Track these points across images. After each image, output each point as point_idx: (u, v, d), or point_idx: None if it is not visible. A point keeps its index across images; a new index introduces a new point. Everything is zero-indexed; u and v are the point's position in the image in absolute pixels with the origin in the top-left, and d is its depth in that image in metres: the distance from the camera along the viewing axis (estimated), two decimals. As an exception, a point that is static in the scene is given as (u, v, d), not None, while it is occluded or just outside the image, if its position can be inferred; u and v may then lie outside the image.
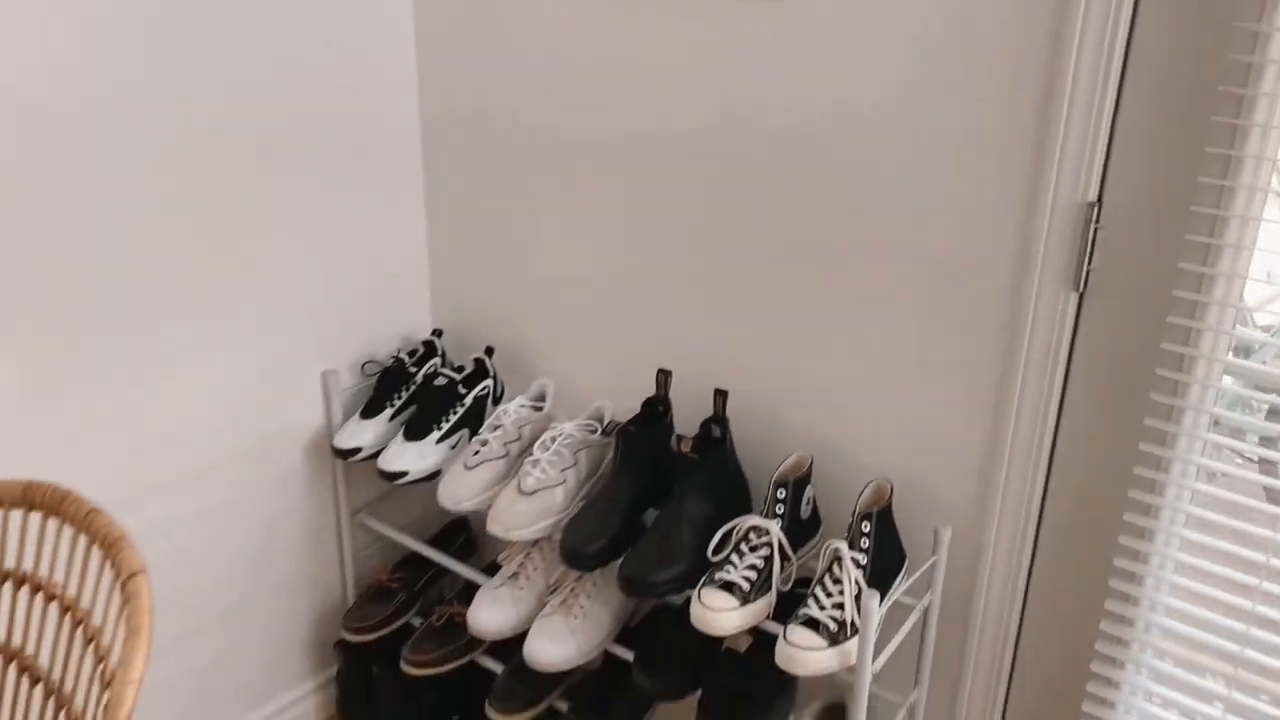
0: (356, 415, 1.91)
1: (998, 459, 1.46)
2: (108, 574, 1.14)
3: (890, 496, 1.50)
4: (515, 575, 1.78)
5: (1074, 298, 1.33)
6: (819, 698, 1.67)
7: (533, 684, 1.81)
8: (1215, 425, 1.32)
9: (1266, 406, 1.29)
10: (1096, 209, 1.28)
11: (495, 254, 1.95)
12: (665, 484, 1.66)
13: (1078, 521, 1.46)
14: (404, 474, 1.80)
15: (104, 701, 1.02)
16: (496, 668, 1.87)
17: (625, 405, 1.85)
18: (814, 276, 1.57)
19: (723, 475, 1.60)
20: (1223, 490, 1.33)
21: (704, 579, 1.48)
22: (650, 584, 1.51)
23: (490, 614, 1.73)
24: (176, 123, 1.58)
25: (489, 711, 1.79)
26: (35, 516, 1.25)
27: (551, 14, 1.71)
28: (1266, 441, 1.30)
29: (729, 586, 1.46)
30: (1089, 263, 1.31)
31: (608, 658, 1.80)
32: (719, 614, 1.43)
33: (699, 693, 1.57)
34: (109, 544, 1.13)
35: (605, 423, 1.77)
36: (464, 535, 2.14)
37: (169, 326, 1.66)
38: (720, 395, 1.61)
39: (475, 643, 1.91)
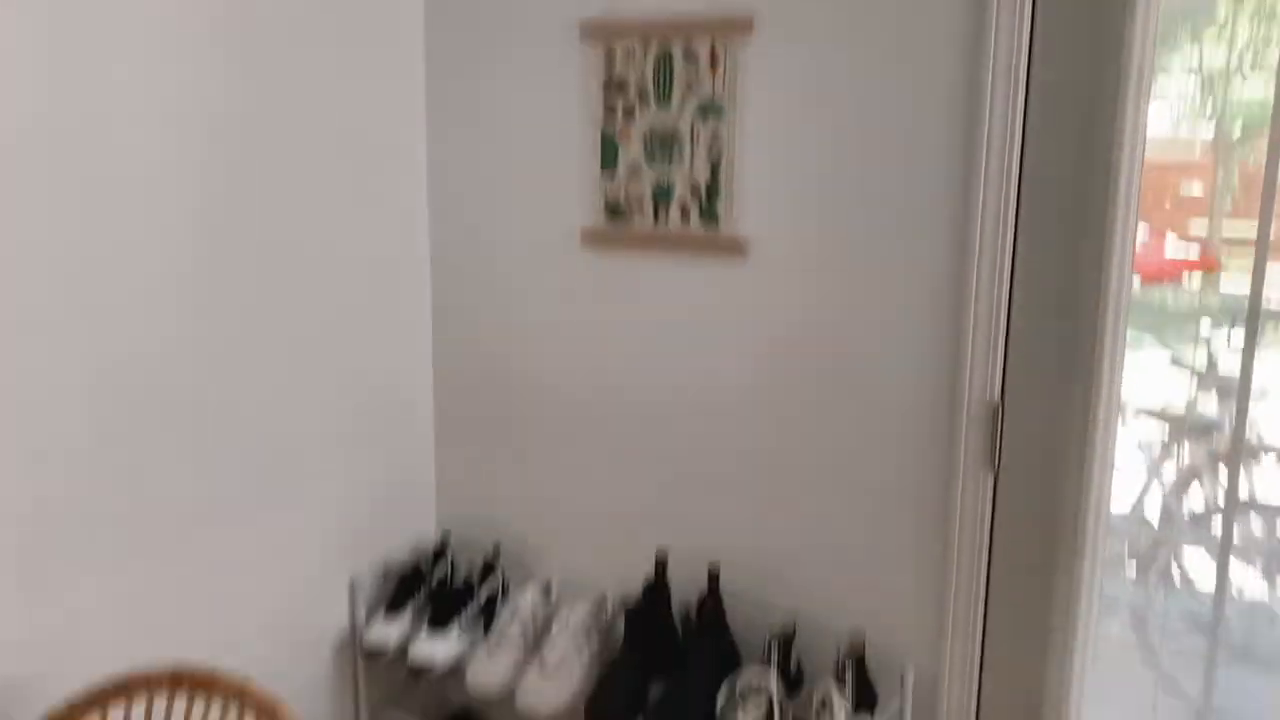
0: (380, 617, 2.15)
1: (945, 607, 1.82)
2: (262, 737, 1.37)
3: (863, 648, 1.84)
4: (537, 748, 2.02)
5: (990, 477, 1.75)
6: (814, 833, 1.93)
7: None
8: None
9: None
10: (1000, 408, 1.73)
11: (494, 461, 2.28)
12: (668, 654, 1.96)
13: (1014, 658, 1.83)
14: (431, 665, 2.04)
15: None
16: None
17: (624, 582, 2.15)
18: (786, 479, 1.95)
19: (720, 640, 1.92)
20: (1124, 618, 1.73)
21: (718, 730, 1.77)
22: (671, 737, 1.79)
23: (520, 785, 1.96)
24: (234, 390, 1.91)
25: None
26: (181, 696, 1.47)
27: (548, 293, 2.13)
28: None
29: (740, 734, 1.75)
30: (1000, 448, 1.74)
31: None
32: (735, 756, 1.72)
33: (716, 833, 1.82)
34: (267, 708, 1.37)
35: (609, 606, 2.07)
36: (469, 724, 2.35)
37: (221, 544, 1.92)
38: (713, 579, 1.95)
39: (493, 821, 2.11)
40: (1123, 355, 1.68)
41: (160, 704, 1.48)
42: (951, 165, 1.71)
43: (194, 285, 1.79)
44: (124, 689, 1.47)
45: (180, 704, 1.48)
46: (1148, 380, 2.23)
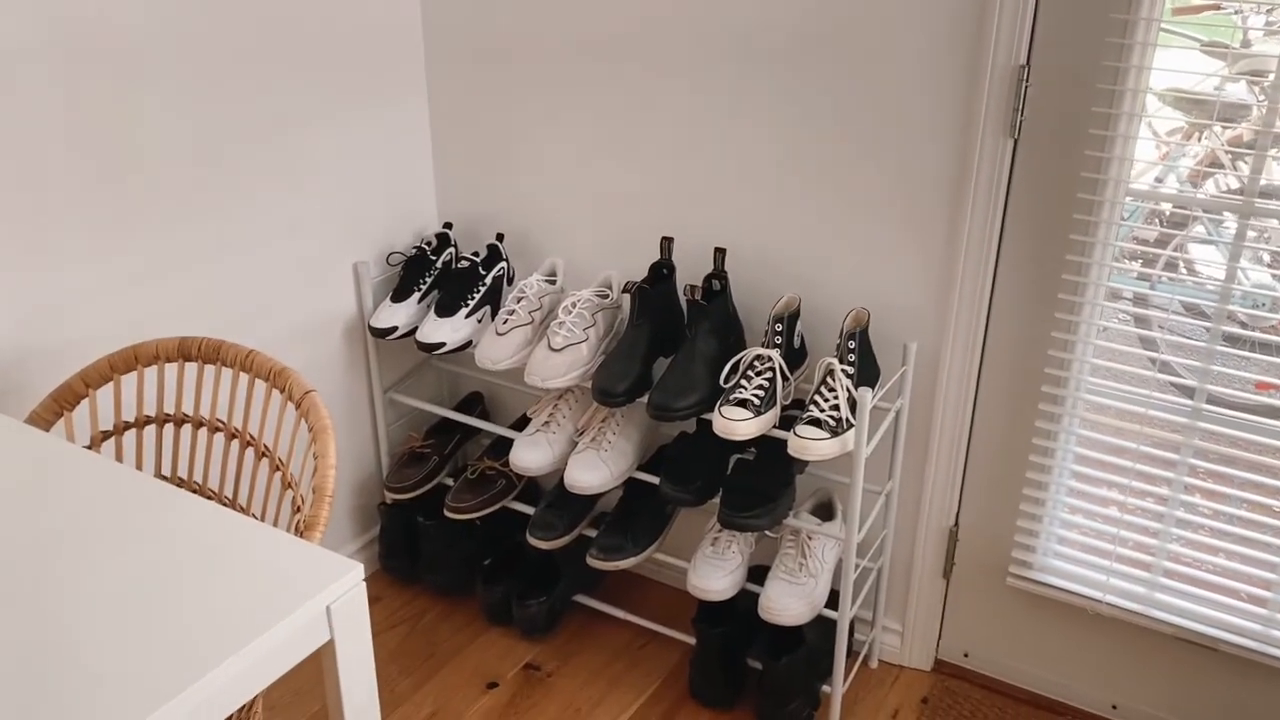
0: (387, 300, 2.16)
1: (952, 282, 1.81)
2: (274, 402, 1.40)
3: (867, 321, 1.85)
4: (547, 422, 2.08)
5: (1010, 144, 1.68)
6: (812, 496, 2.02)
7: (565, 515, 2.12)
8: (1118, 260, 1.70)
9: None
10: (1026, 70, 1.63)
11: (494, 150, 2.21)
12: (673, 334, 1.97)
13: (1016, 331, 1.83)
14: (441, 345, 2.06)
15: (314, 485, 1.28)
16: (527, 511, 2.17)
17: (627, 274, 2.14)
18: (793, 144, 1.88)
19: (725, 318, 1.92)
20: (1126, 305, 1.71)
21: (722, 399, 1.80)
22: (676, 409, 1.83)
23: (531, 454, 2.03)
24: (214, 59, 1.80)
25: (531, 540, 2.09)
26: (191, 367, 1.49)
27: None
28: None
29: (743, 403, 1.78)
30: (1021, 114, 1.66)
31: (623, 494, 2.12)
32: (738, 423, 1.76)
33: (719, 494, 1.90)
34: (275, 374, 1.39)
35: (614, 289, 2.06)
36: (480, 406, 2.42)
37: (222, 223, 1.89)
38: (719, 252, 1.92)
39: (506, 490, 2.21)
40: (1158, 27, 1.57)
41: (171, 373, 1.49)
42: None
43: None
44: (133, 360, 1.49)
45: (191, 374, 1.50)
46: (1177, 61, 2.11)
